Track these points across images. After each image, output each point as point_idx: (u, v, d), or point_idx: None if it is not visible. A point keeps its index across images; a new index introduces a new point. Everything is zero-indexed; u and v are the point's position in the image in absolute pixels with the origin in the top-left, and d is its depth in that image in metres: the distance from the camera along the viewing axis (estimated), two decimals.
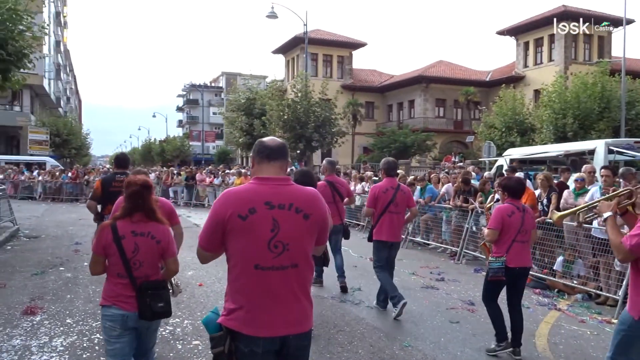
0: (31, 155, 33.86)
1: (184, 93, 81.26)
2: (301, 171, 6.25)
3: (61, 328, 5.69)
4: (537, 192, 9.11)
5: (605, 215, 3.37)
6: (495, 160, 18.31)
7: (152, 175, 24.33)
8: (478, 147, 30.59)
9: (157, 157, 55.19)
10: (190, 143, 55.79)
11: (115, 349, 3.38)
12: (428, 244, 11.68)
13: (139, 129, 79.65)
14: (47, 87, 39.73)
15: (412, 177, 13.41)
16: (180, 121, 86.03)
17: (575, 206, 6.33)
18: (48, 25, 13.94)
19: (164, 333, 5.55)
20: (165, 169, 27.52)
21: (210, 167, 26.55)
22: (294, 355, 2.50)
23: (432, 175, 14.11)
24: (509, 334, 5.20)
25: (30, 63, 13.34)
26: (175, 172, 25.12)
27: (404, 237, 12.00)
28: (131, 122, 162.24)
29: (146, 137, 70.30)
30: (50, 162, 31.82)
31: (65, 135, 38.02)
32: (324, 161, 8.13)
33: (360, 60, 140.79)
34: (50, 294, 7.18)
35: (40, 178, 25.70)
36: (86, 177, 24.83)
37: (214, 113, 65.16)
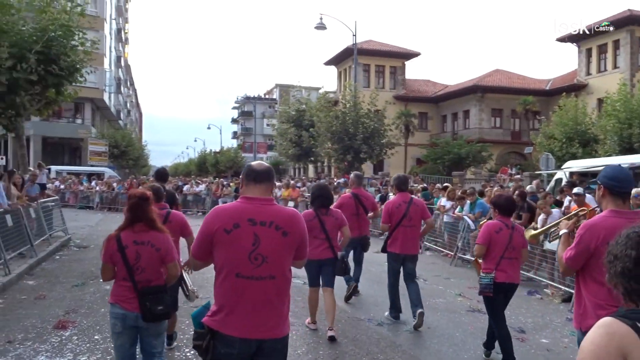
0: (92, 166, 35.18)
1: (239, 105, 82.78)
2: (318, 184, 6.86)
3: (87, 345, 5.58)
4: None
5: (561, 232, 3.57)
6: (554, 173, 17.34)
7: (202, 186, 24.64)
8: (537, 159, 29.33)
9: (212, 168, 56.14)
10: (243, 154, 56.49)
11: (117, 345, 3.84)
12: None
13: (195, 141, 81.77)
14: (107, 101, 41.34)
15: (461, 190, 12.79)
16: (235, 133, 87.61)
17: None
18: (97, 41, 14.34)
19: (188, 354, 5.34)
20: (215, 180, 27.84)
21: None
22: (269, 358, 2.76)
23: (486, 189, 13.49)
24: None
25: (82, 77, 13.76)
26: (224, 183, 25.34)
27: (452, 253, 11.48)
28: (189, 134, 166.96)
29: (202, 149, 71.91)
30: (109, 172, 32.92)
31: (123, 147, 39.35)
32: (351, 174, 8.26)
33: (413, 71, 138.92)
34: (85, 307, 7.15)
35: (97, 188, 26.54)
36: (140, 187, 25.43)
37: (268, 125, 65.88)
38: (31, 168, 13.36)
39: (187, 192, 24.29)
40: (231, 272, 2.71)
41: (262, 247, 2.70)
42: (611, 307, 2.87)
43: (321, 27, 24.44)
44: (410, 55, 44.44)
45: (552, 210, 9.29)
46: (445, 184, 15.06)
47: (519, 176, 22.18)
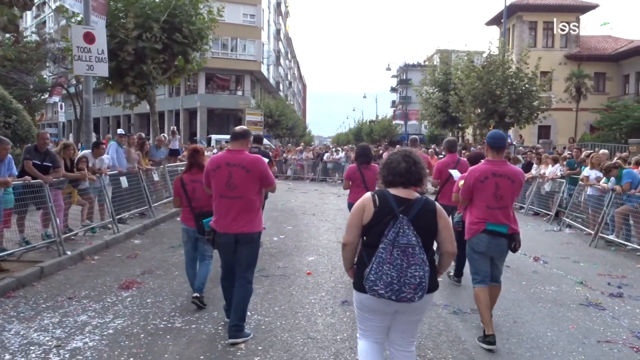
0: None
1: (398, 74, 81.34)
2: (361, 145, 7.72)
3: (134, 308, 5.50)
4: None
5: None
6: None
7: (341, 154, 24.42)
8: None
9: (367, 137, 56.12)
10: (394, 122, 55.32)
11: (185, 250, 5.73)
12: (625, 245, 9.03)
13: (354, 110, 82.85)
14: (265, 73, 43.14)
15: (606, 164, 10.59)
16: (393, 102, 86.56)
17: None
18: (222, 9, 14.49)
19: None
20: (352, 147, 27.34)
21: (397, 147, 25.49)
22: (244, 246, 4.49)
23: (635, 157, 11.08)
24: None
25: (207, 45, 14.07)
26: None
27: (593, 232, 9.61)
28: (353, 104, 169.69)
29: (359, 118, 72.52)
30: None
31: (277, 116, 40.79)
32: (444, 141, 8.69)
33: (589, 26, 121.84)
34: (163, 269, 7.18)
35: None
36: (284, 155, 26.19)
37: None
38: (165, 135, 14.17)
39: (327, 160, 24.29)
40: (217, 194, 4.50)
41: (233, 179, 4.41)
42: (480, 222, 4.56)
43: None
44: (585, 7, 38.97)
45: None
46: (591, 152, 12.70)
47: None
